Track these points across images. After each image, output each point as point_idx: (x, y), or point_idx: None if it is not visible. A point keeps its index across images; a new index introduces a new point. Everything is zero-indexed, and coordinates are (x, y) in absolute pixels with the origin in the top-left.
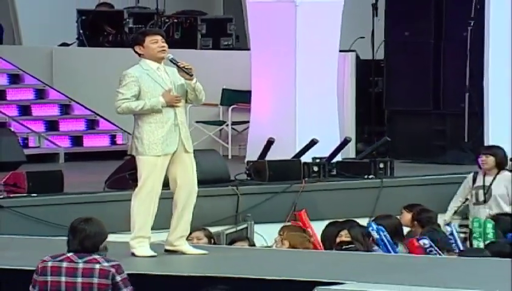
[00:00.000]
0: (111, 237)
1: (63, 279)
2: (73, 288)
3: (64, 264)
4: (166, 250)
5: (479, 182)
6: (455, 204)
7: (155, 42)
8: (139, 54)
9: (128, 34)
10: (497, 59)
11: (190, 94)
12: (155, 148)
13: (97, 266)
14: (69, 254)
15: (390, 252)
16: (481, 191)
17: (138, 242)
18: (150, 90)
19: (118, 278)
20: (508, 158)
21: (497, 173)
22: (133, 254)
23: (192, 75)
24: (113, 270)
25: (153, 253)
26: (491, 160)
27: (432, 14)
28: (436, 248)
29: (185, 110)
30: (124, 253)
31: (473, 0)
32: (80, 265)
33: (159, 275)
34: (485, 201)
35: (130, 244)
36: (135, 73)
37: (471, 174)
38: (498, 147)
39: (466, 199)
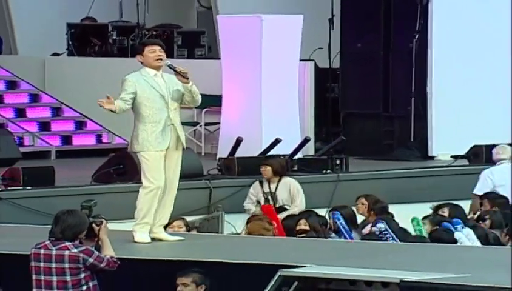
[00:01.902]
0: None
1: (42, 264)
2: (49, 272)
3: (42, 251)
4: None
5: (266, 188)
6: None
7: (153, 52)
8: (141, 62)
9: (112, 45)
10: (439, 67)
11: (187, 96)
12: (148, 145)
13: (66, 252)
14: (46, 242)
15: (346, 238)
16: (269, 197)
17: (141, 227)
18: (146, 94)
19: (91, 260)
20: (289, 166)
21: (279, 180)
22: (132, 239)
23: (187, 78)
24: (82, 254)
25: (149, 240)
26: (268, 170)
27: (381, 28)
28: (392, 233)
29: (179, 112)
30: (111, 238)
31: (417, 16)
32: (54, 252)
33: (139, 259)
34: (274, 205)
35: (133, 229)
36: (132, 77)
37: (257, 182)
38: (273, 157)
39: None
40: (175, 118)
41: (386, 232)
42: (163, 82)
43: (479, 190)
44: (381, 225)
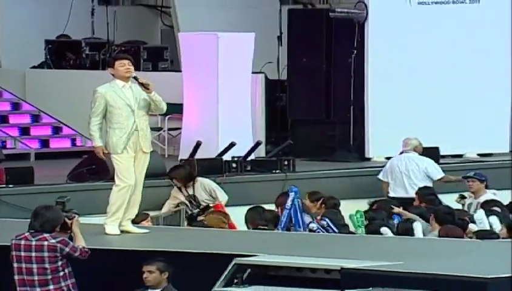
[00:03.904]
0: None
1: (22, 253)
2: (30, 261)
3: (22, 242)
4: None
5: (185, 192)
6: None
7: (123, 65)
8: (112, 74)
9: (85, 59)
10: (374, 79)
11: (152, 104)
12: (118, 148)
13: (45, 243)
14: (26, 234)
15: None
16: (192, 199)
17: (112, 220)
18: (114, 103)
19: (67, 249)
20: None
21: (193, 184)
22: (103, 231)
23: (149, 89)
24: (59, 244)
25: (119, 232)
26: (176, 181)
27: (324, 44)
28: (333, 226)
29: (147, 118)
30: (85, 231)
31: (355, 34)
32: (34, 243)
33: (108, 250)
34: (198, 207)
35: (105, 222)
36: (102, 89)
37: (175, 188)
38: (176, 168)
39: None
40: (141, 124)
41: (327, 227)
42: (131, 92)
43: (383, 175)
44: (323, 222)
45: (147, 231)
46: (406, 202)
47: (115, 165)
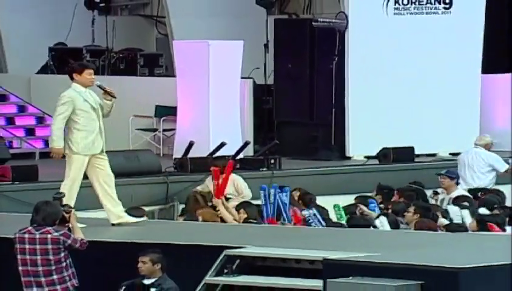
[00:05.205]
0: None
1: (27, 246)
2: (34, 253)
3: (26, 235)
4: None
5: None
6: None
7: (90, 74)
8: (72, 79)
9: None
10: (354, 83)
11: (106, 110)
12: (86, 150)
13: (49, 236)
14: (29, 228)
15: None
16: None
17: None
18: (83, 107)
19: (69, 241)
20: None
21: None
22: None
23: (115, 97)
24: (62, 237)
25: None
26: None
27: (307, 51)
28: (319, 218)
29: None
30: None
31: (336, 42)
32: (37, 236)
33: (107, 242)
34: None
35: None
36: (71, 94)
37: (210, 177)
38: (219, 158)
39: None
40: (102, 126)
41: (313, 217)
42: (91, 96)
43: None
44: (308, 212)
45: (144, 219)
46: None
47: (73, 163)
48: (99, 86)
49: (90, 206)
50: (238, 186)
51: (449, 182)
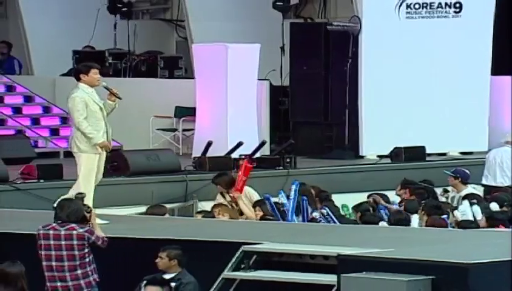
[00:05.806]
0: (96, 210)
1: (52, 242)
2: (59, 248)
3: (51, 232)
4: None
5: (227, 198)
6: None
7: (96, 74)
8: (79, 79)
9: (109, 68)
10: (367, 85)
11: (108, 110)
12: (95, 149)
13: (74, 232)
14: (54, 224)
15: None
16: (233, 204)
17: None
18: (93, 107)
19: (93, 238)
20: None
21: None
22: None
23: (120, 98)
24: (86, 234)
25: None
26: (219, 187)
27: (322, 54)
28: (333, 216)
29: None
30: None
31: (350, 45)
32: (63, 232)
33: (128, 238)
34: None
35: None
36: (81, 94)
37: (219, 194)
38: (219, 176)
39: None
40: (108, 126)
41: (327, 216)
42: (98, 97)
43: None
44: (323, 211)
45: (106, 222)
46: (494, 190)
47: (83, 161)
48: (105, 88)
49: (114, 203)
50: (251, 198)
51: (453, 181)
